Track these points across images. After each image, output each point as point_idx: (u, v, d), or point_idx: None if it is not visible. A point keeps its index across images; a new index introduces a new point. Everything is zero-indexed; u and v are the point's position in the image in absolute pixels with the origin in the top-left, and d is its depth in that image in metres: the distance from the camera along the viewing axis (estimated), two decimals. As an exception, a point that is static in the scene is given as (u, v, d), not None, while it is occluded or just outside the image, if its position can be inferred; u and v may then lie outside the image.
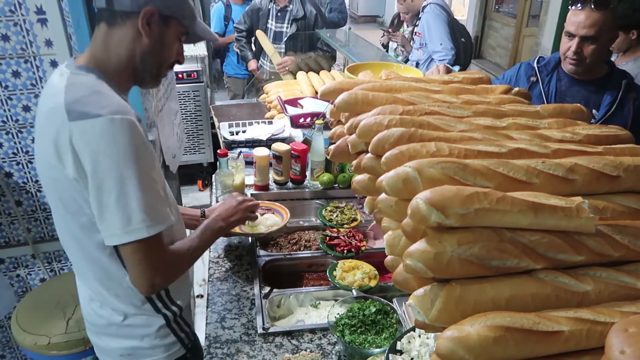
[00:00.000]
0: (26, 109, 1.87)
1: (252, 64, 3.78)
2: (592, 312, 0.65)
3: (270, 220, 1.67)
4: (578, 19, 1.77)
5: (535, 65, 2.04)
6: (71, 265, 2.19)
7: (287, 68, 3.40)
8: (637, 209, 0.80)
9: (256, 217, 1.47)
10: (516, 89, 1.35)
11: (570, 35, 1.81)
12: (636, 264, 0.75)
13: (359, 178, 1.03)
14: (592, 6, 1.74)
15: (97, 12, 1.04)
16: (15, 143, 1.90)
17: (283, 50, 3.48)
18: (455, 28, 3.22)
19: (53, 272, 2.16)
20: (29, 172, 1.96)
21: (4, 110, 1.84)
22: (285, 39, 3.46)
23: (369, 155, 0.98)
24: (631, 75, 2.00)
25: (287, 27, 3.46)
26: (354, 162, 1.07)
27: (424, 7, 3.27)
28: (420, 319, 0.70)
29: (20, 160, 1.94)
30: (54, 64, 1.82)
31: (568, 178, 0.81)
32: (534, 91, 2.01)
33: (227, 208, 1.37)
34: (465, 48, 3.30)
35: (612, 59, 3.38)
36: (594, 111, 1.92)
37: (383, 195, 0.86)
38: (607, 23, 1.75)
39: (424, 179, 0.76)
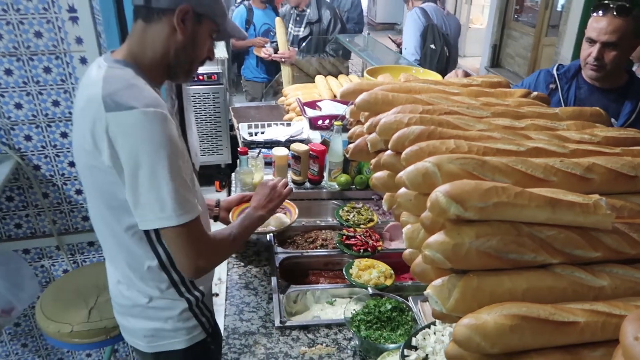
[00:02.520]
0: (55, 103, 1.94)
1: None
2: (608, 305, 0.66)
3: (279, 218, 1.69)
4: (600, 25, 1.78)
5: (554, 72, 2.04)
6: (93, 257, 2.26)
7: (283, 60, 3.48)
8: (655, 208, 0.81)
9: (291, 191, 1.49)
10: (535, 93, 1.37)
11: (592, 41, 1.82)
12: (653, 261, 0.76)
13: (378, 174, 1.06)
14: (614, 13, 1.75)
15: (135, 9, 1.09)
16: (44, 137, 1.97)
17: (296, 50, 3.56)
18: (429, 35, 3.30)
19: (76, 263, 2.22)
20: (56, 165, 2.03)
21: (35, 105, 1.91)
22: (297, 41, 3.54)
23: (388, 152, 1.00)
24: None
25: (302, 31, 3.54)
26: (373, 160, 1.09)
27: (409, 12, 3.42)
28: (438, 308, 0.72)
29: (48, 153, 2.00)
30: (83, 61, 1.88)
31: (586, 177, 0.82)
32: (553, 98, 2.01)
33: (263, 196, 1.40)
34: (433, 54, 3.37)
35: (634, 68, 3.36)
36: (612, 120, 1.91)
37: (403, 189, 0.89)
38: (628, 30, 1.75)
39: (443, 174, 0.79)
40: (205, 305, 1.29)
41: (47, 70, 1.88)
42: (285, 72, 3.56)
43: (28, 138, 1.96)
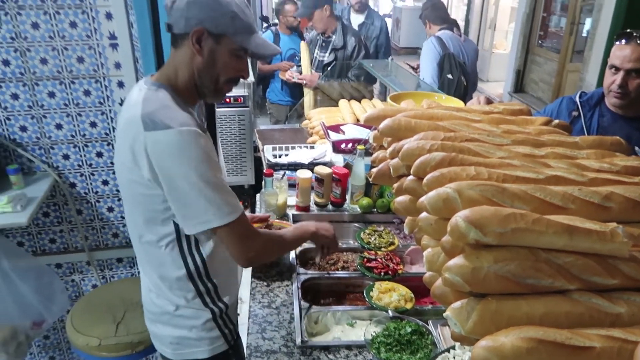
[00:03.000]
0: (93, 124, 2.05)
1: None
2: (624, 331, 0.68)
3: None
4: (624, 53, 1.79)
5: (577, 99, 2.05)
6: (121, 273, 2.33)
7: (304, 82, 3.59)
8: (673, 238, 0.83)
9: (328, 255, 1.63)
10: (556, 121, 1.38)
11: (616, 69, 1.83)
12: (671, 291, 0.77)
13: (400, 199, 1.09)
14: (638, 41, 1.76)
15: (171, 37, 1.18)
16: (81, 156, 2.08)
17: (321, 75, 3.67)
18: (446, 64, 3.32)
19: (104, 279, 2.30)
20: (91, 184, 2.13)
21: (74, 126, 2.03)
22: (322, 66, 3.64)
23: (410, 177, 1.04)
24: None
25: (327, 56, 3.64)
26: (396, 185, 1.13)
27: (426, 41, 3.43)
28: (457, 330, 0.75)
29: (84, 172, 2.11)
30: (120, 85, 1.99)
31: (604, 205, 0.84)
32: (575, 126, 2.01)
33: (324, 225, 1.53)
34: (450, 83, 3.38)
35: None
36: (636, 148, 1.91)
37: (424, 214, 0.92)
38: None
39: (464, 199, 0.82)
40: (229, 317, 1.35)
41: (87, 93, 1.99)
42: (308, 96, 3.65)
43: (66, 157, 2.07)
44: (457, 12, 10.23)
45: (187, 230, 1.16)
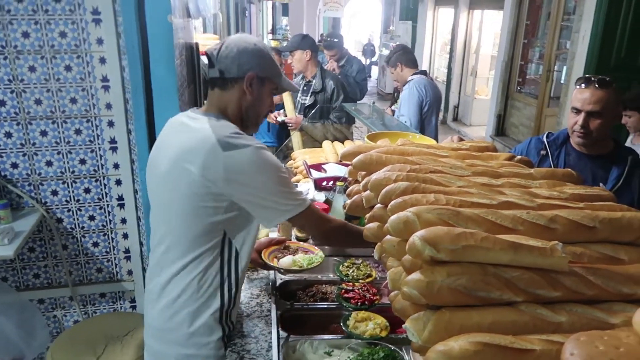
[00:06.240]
0: (82, 162, 2.12)
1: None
2: (563, 336, 0.74)
3: (305, 259, 1.79)
4: (583, 96, 1.93)
5: (544, 139, 2.17)
6: (104, 308, 2.33)
7: (291, 125, 3.77)
8: (612, 255, 0.91)
9: None
10: (519, 156, 1.49)
11: (577, 111, 1.96)
12: (609, 302, 0.84)
13: (369, 226, 1.16)
14: (596, 85, 1.91)
15: (211, 80, 1.37)
16: (69, 192, 2.14)
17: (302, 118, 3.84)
18: (426, 107, 3.53)
19: (86, 314, 2.30)
20: (78, 219, 2.18)
21: (64, 163, 2.10)
22: (304, 109, 3.83)
23: (378, 205, 1.12)
24: (637, 152, 2.11)
25: (308, 99, 3.83)
26: (368, 215, 1.21)
27: (408, 82, 3.57)
28: (415, 340, 0.81)
29: (71, 207, 2.16)
30: (110, 124, 2.09)
31: (549, 227, 0.92)
32: (544, 164, 2.11)
33: None
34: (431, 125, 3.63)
35: (629, 138, 3.51)
36: (601, 185, 2.01)
37: (388, 236, 1.00)
38: (610, 100, 1.89)
39: (422, 222, 0.90)
40: (231, 339, 1.45)
41: (78, 131, 2.08)
42: (296, 138, 3.78)
43: (54, 193, 2.13)
44: (439, 60, 10.68)
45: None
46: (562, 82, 5.89)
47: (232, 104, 1.36)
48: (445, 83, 9.63)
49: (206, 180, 1.23)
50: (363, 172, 1.33)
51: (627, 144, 3.36)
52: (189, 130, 1.30)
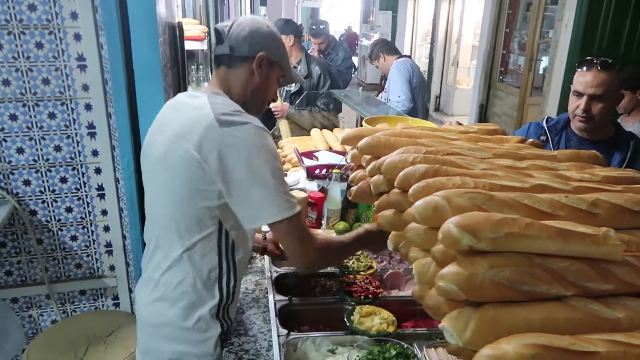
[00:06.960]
0: (57, 148, 1.95)
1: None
2: (627, 336, 0.66)
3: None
4: (585, 79, 1.88)
5: (544, 124, 2.12)
6: (84, 306, 2.18)
7: (277, 113, 3.64)
8: (661, 243, 0.83)
9: None
10: (530, 139, 1.41)
11: (579, 95, 1.90)
12: (663, 295, 0.76)
13: (384, 213, 1.06)
14: (599, 67, 1.85)
15: (217, 58, 1.28)
16: (43, 182, 1.97)
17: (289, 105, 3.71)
18: (415, 87, 3.48)
19: (65, 313, 2.15)
20: (54, 211, 2.01)
21: (37, 150, 1.93)
22: (289, 96, 3.69)
23: (395, 190, 1.02)
24: (638, 136, 2.07)
25: (293, 86, 3.69)
26: (377, 202, 1.11)
27: (394, 64, 3.56)
28: (453, 341, 0.71)
29: (46, 198, 1.99)
30: (88, 107, 1.93)
31: (591, 212, 0.84)
32: (544, 149, 2.07)
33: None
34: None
35: (618, 119, 3.50)
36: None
37: (412, 224, 0.89)
38: (612, 83, 1.85)
39: (453, 207, 0.80)
40: (229, 337, 1.36)
41: (52, 115, 1.91)
42: (283, 126, 3.65)
43: (27, 183, 1.96)
44: (420, 50, 10.64)
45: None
46: (544, 70, 5.91)
47: (238, 85, 1.28)
48: (426, 73, 9.58)
49: (201, 159, 1.14)
50: (368, 157, 1.22)
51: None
52: (188, 108, 1.22)
